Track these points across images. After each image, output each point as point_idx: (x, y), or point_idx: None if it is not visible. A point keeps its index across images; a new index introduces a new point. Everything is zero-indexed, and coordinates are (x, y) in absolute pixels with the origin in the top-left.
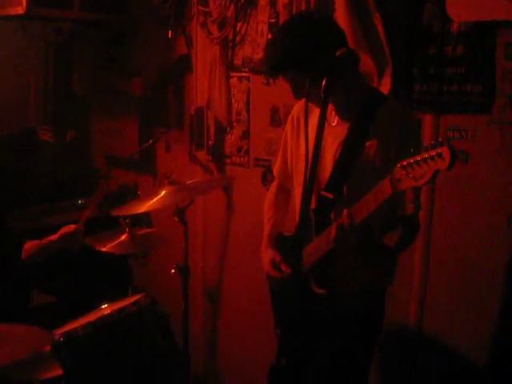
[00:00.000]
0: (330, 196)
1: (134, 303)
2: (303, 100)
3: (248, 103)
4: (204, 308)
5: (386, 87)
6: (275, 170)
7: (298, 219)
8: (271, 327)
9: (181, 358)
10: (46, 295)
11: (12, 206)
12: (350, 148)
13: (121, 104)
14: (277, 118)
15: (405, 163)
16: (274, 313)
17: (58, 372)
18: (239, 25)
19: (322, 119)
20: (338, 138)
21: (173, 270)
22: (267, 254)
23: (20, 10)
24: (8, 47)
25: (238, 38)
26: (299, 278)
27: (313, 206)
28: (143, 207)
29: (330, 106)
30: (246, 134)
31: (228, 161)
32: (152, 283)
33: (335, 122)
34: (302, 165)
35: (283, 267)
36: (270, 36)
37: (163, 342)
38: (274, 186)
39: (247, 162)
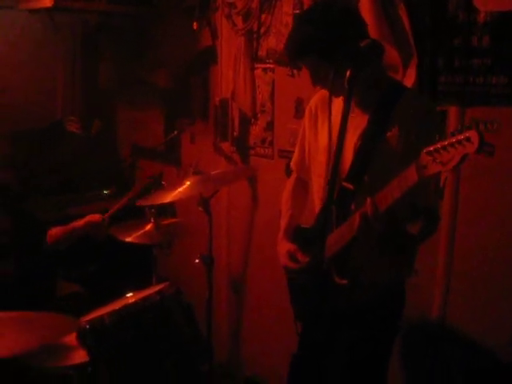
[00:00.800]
0: (351, 187)
1: (159, 292)
2: (321, 92)
3: (272, 95)
4: (228, 297)
5: (410, 79)
6: (293, 163)
7: (317, 210)
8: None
9: (204, 347)
10: (70, 285)
11: (38, 195)
12: (370, 139)
13: (146, 95)
14: (301, 110)
15: (431, 149)
16: (293, 306)
17: (84, 358)
18: (264, 16)
19: (347, 110)
20: (357, 129)
21: (197, 260)
22: (283, 246)
23: (48, 3)
24: (36, 40)
25: (262, 30)
26: (322, 266)
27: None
28: (168, 197)
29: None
30: (270, 126)
31: (252, 152)
32: (176, 273)
33: (354, 113)
34: (321, 157)
35: (299, 256)
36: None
37: (187, 331)
38: (291, 179)
39: (271, 153)
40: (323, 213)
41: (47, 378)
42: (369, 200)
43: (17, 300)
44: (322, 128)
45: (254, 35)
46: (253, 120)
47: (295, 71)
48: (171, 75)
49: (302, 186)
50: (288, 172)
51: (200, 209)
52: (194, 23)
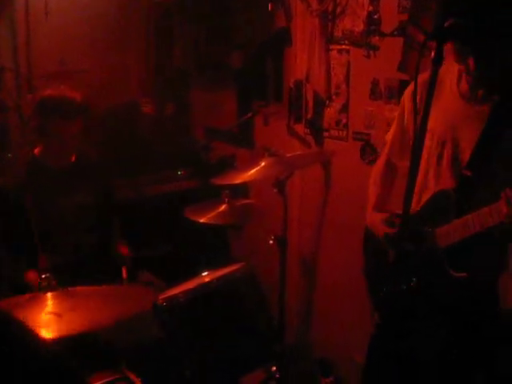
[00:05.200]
0: (469, 174)
1: (234, 272)
2: (426, 73)
3: (347, 76)
4: (299, 279)
5: None
6: (387, 145)
7: (418, 196)
8: (366, 301)
9: (276, 328)
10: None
11: (115, 176)
12: (496, 127)
13: (220, 77)
14: (377, 91)
15: None
16: (373, 296)
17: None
18: None
19: (430, 93)
20: (480, 117)
21: (271, 241)
22: (375, 217)
23: None
24: (111, 22)
25: (338, 10)
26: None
27: (453, 185)
28: (242, 178)
29: (464, 80)
30: (345, 108)
31: (326, 134)
32: (247, 253)
33: (477, 98)
34: (427, 141)
35: (397, 220)
36: (370, 8)
37: (260, 312)
38: (381, 159)
39: (346, 135)
40: (407, 199)
41: (124, 351)
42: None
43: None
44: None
45: (329, 16)
46: (327, 102)
47: (371, 52)
48: (245, 57)
49: (392, 169)
50: (364, 154)
51: (275, 190)
52: (269, 4)
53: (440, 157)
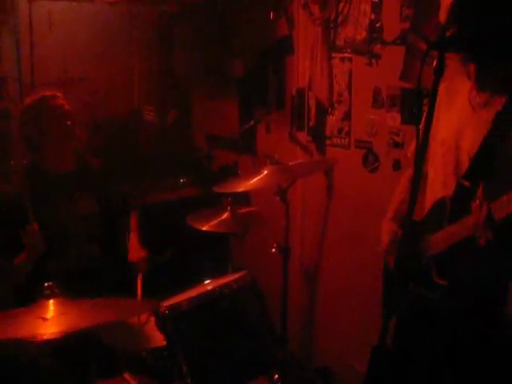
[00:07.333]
0: (467, 185)
1: (236, 281)
2: (451, 77)
3: (350, 84)
4: (301, 288)
5: None
6: (410, 151)
7: (429, 204)
8: (369, 310)
9: (277, 336)
10: None
11: (118, 183)
12: (497, 137)
13: (222, 85)
14: (379, 100)
15: None
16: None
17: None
18: (341, 5)
19: (432, 104)
20: (482, 124)
21: (273, 249)
22: (389, 226)
23: None
24: (115, 31)
25: (340, 19)
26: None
27: (450, 193)
28: (244, 186)
29: (473, 86)
30: (347, 116)
31: (328, 142)
32: (249, 261)
33: (480, 104)
34: (438, 149)
35: (400, 232)
36: (372, 16)
37: (262, 320)
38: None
39: (348, 143)
40: (410, 208)
41: (127, 359)
42: (484, 205)
43: (103, 285)
44: (443, 116)
45: (332, 24)
46: (329, 110)
47: (373, 60)
48: (247, 65)
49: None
50: (366, 162)
51: (277, 198)
52: (271, 13)
53: (447, 165)
